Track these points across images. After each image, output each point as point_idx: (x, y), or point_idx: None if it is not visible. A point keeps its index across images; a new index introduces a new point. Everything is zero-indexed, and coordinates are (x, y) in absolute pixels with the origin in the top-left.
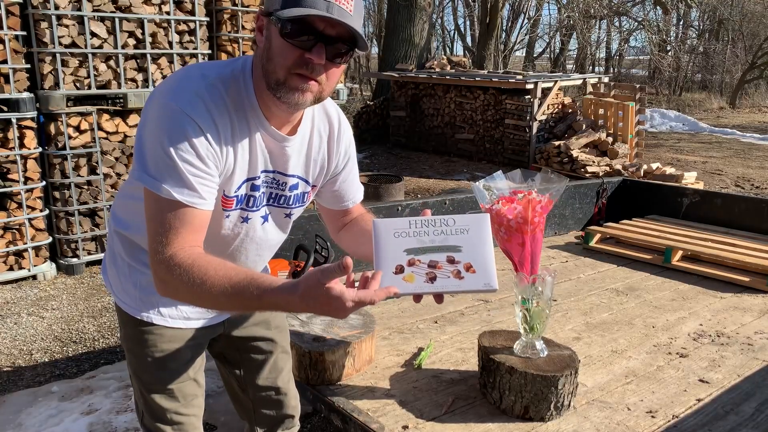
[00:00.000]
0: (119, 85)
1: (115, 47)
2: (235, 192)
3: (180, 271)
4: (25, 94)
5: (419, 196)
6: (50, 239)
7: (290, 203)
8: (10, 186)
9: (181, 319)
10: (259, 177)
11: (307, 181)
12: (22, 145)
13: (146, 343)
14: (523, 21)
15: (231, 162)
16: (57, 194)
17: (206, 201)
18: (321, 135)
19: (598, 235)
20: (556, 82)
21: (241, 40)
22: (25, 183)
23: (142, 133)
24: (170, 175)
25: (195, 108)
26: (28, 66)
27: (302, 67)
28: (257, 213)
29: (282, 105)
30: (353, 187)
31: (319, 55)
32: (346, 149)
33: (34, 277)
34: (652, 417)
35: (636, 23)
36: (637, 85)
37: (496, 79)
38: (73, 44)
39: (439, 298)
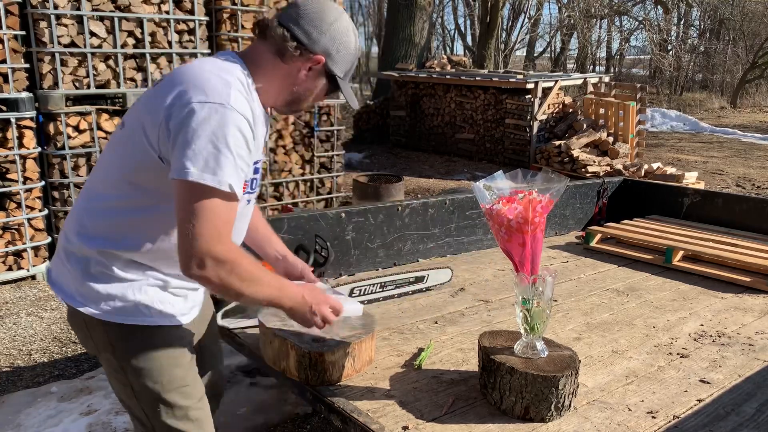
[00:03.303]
0: (118, 85)
1: (115, 47)
2: (252, 176)
3: (236, 260)
4: (24, 94)
5: (419, 196)
6: (49, 239)
7: (259, 182)
8: (9, 186)
9: (181, 316)
10: (259, 161)
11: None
12: (21, 145)
13: (159, 346)
14: (523, 20)
15: (257, 148)
16: (56, 194)
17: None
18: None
19: (598, 235)
20: (556, 81)
21: (240, 40)
22: (24, 183)
23: (191, 136)
24: (230, 171)
25: (242, 106)
26: (27, 65)
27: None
28: (253, 194)
29: (282, 113)
30: None
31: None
32: None
33: (33, 277)
34: (653, 417)
35: (637, 23)
36: (638, 85)
37: (497, 79)
38: (72, 44)
39: None
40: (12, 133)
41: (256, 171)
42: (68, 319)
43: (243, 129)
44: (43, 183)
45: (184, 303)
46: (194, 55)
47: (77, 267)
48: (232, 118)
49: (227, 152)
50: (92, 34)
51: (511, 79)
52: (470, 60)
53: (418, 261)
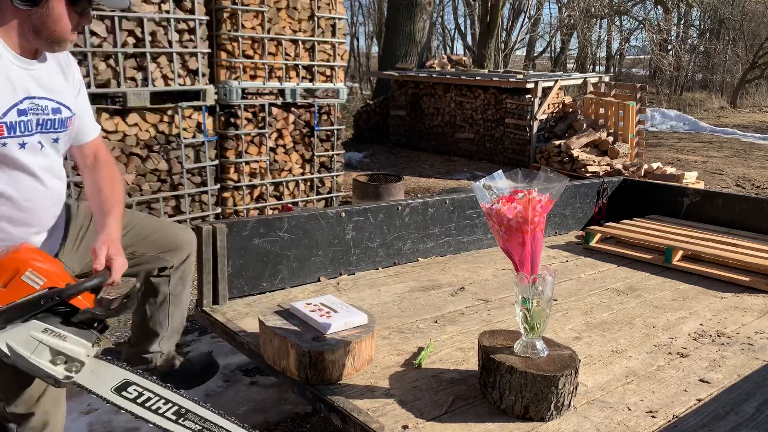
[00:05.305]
0: (118, 84)
1: (115, 46)
2: (17, 118)
3: None
4: None
5: (419, 195)
6: None
7: (56, 127)
8: None
9: None
10: (23, 102)
11: (67, 107)
12: None
13: None
14: (523, 20)
15: (12, 89)
16: None
17: None
18: (61, 64)
19: (598, 235)
20: (556, 81)
21: (241, 39)
22: None
23: None
24: None
25: None
26: None
27: (79, 28)
28: (21, 138)
29: (53, 51)
30: (87, 124)
31: (90, 19)
32: (77, 77)
33: None
34: (653, 417)
35: (637, 22)
36: (638, 85)
37: (497, 79)
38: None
39: None
40: None
41: (20, 113)
42: None
43: None
44: None
45: None
46: (194, 55)
47: None
48: None
49: None
50: (92, 33)
51: (511, 79)
52: (470, 60)
53: (417, 260)
